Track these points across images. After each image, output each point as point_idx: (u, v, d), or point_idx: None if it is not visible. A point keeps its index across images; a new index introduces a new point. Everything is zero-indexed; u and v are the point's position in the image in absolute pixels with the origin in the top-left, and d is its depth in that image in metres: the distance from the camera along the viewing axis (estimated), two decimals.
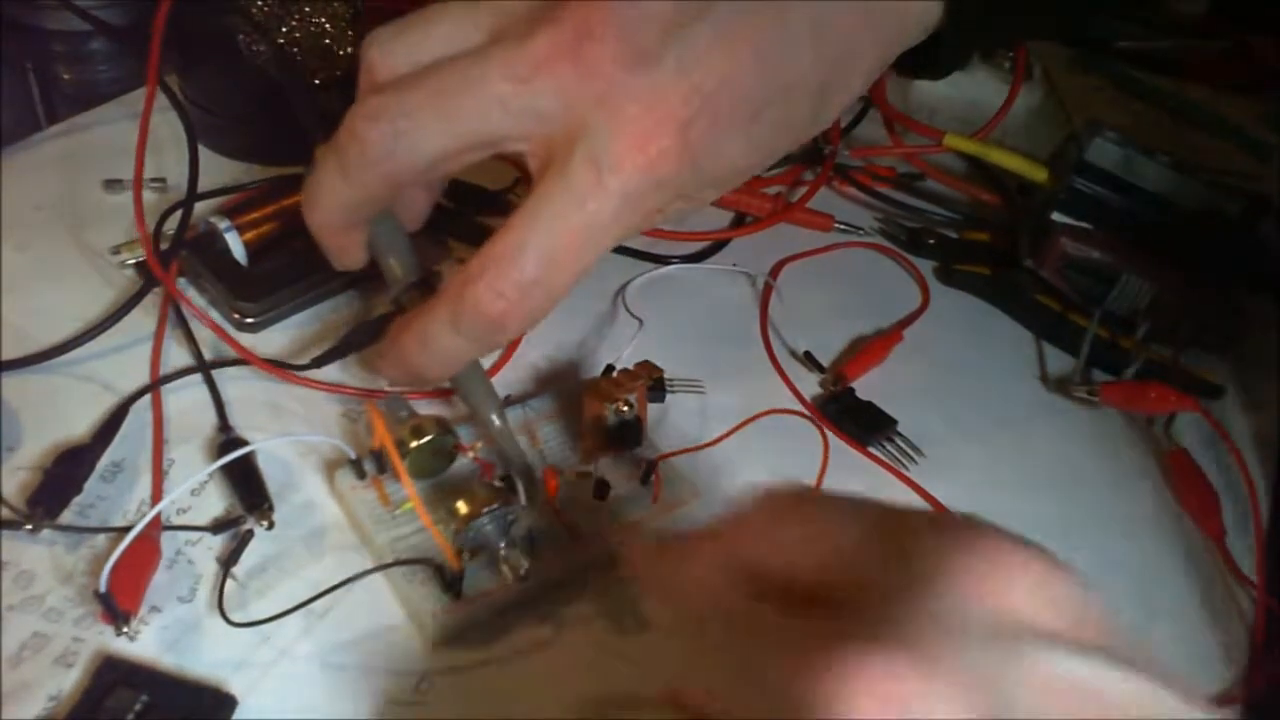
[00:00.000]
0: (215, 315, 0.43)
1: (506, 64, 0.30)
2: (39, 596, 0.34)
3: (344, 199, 0.32)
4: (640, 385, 0.39)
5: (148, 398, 0.40)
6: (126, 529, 0.33)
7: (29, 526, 0.34)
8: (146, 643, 0.33)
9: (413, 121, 0.30)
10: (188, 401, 0.40)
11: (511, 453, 0.37)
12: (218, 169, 0.50)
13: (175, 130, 0.53)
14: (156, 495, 0.37)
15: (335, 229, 0.34)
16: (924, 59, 0.36)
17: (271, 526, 0.36)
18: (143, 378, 0.40)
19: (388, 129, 0.30)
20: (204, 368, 0.41)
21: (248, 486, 0.37)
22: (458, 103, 0.30)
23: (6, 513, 0.35)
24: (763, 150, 0.33)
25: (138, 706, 0.31)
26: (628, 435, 0.39)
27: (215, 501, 0.37)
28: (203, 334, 0.42)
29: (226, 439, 0.39)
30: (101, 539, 0.35)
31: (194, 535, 0.36)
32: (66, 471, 0.36)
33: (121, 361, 0.41)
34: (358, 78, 0.32)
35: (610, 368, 0.42)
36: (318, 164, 0.32)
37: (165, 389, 0.40)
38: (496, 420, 0.37)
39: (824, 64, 0.32)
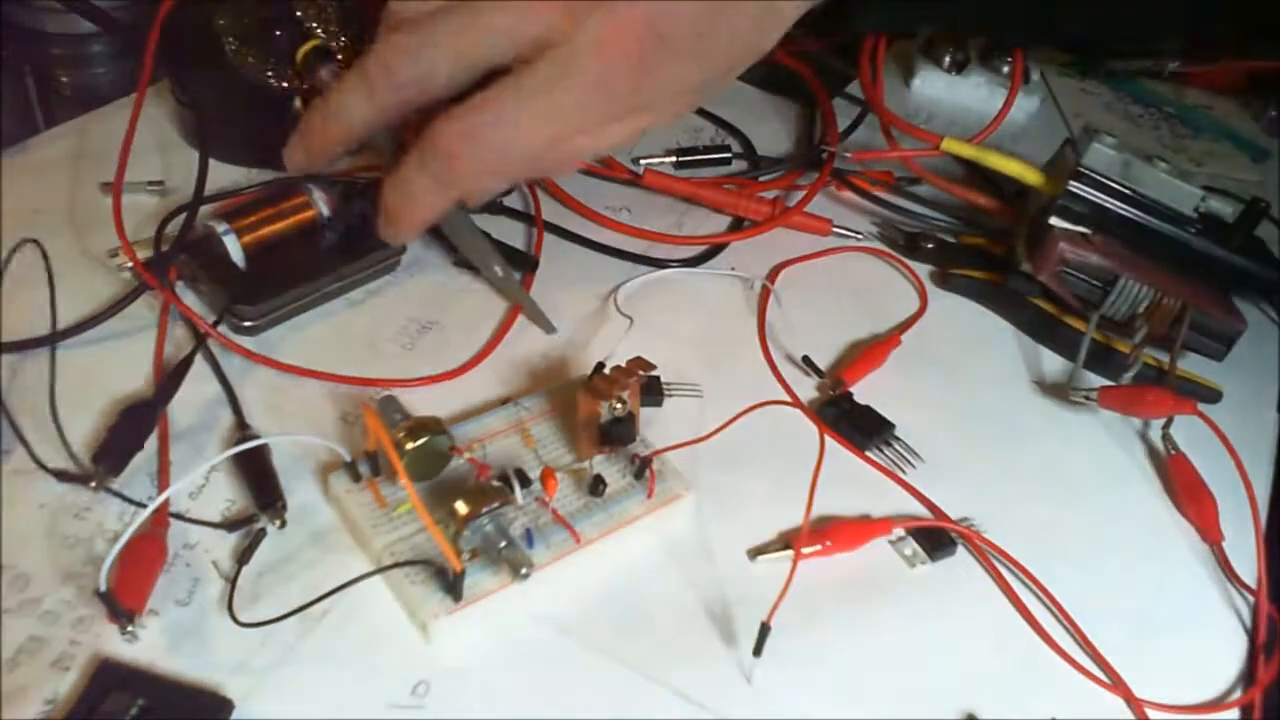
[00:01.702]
0: (209, 319, 0.43)
1: (506, 3, 0.36)
2: (36, 599, 0.33)
3: (366, 117, 0.39)
4: (633, 381, 0.39)
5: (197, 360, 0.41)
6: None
7: (93, 484, 0.36)
8: (144, 646, 0.33)
9: (433, 54, 0.37)
10: (186, 403, 0.40)
11: (506, 281, 0.47)
12: (212, 172, 0.50)
13: (172, 134, 0.53)
14: (163, 488, 0.37)
15: (344, 140, 0.40)
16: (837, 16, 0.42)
17: (284, 525, 0.36)
18: (141, 379, 0.40)
19: (413, 61, 0.37)
20: (215, 365, 0.41)
21: (262, 484, 0.37)
22: (470, 37, 0.37)
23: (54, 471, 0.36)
24: (706, 70, 0.39)
25: (134, 710, 0.30)
26: (621, 431, 0.39)
27: (215, 505, 0.37)
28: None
29: (243, 435, 0.39)
30: (97, 541, 0.35)
31: (192, 539, 0.36)
32: (129, 428, 0.37)
33: (123, 363, 0.41)
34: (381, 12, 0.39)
35: (600, 365, 0.42)
36: (343, 87, 0.39)
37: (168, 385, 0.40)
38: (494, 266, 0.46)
39: None
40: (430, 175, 0.38)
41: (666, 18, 0.36)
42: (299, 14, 0.51)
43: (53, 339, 0.40)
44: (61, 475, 0.36)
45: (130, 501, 0.36)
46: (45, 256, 0.43)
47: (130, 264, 0.44)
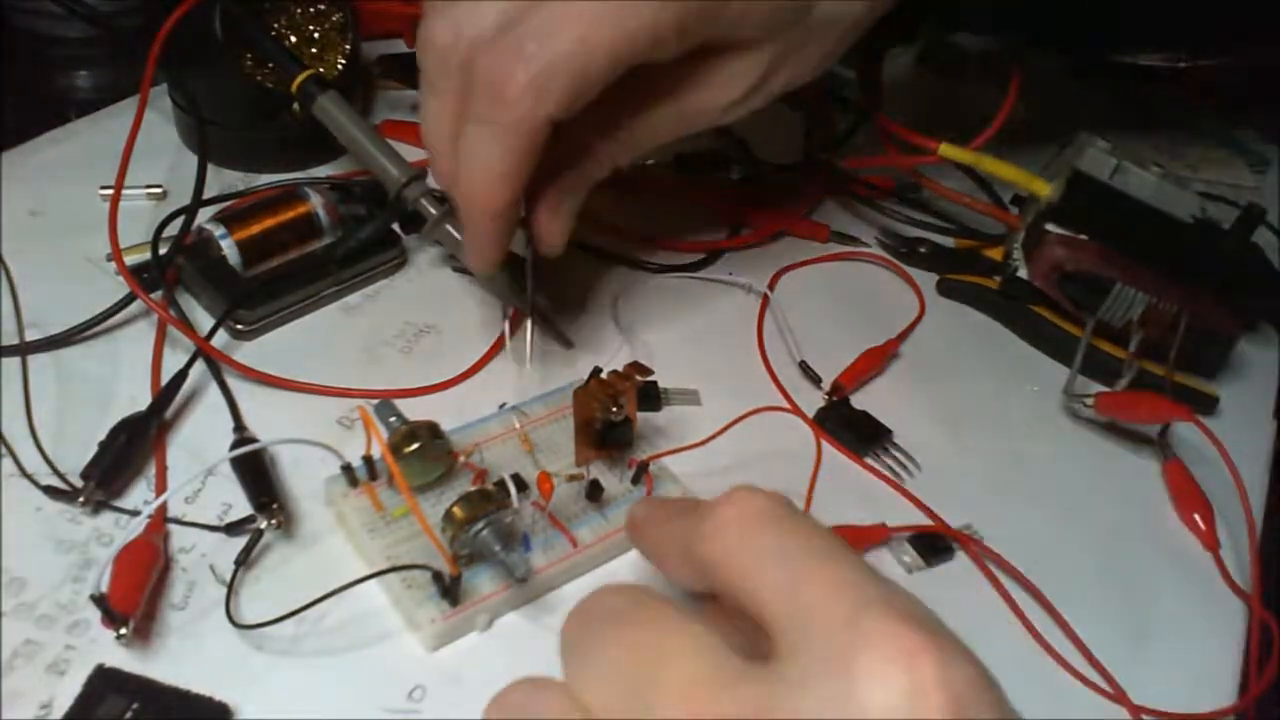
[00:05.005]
0: (208, 321, 0.43)
1: None
2: (32, 603, 0.33)
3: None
4: (630, 386, 0.39)
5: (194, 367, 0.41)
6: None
7: (81, 500, 0.35)
8: (140, 650, 0.33)
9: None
10: (183, 407, 0.40)
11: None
12: (211, 175, 0.50)
13: (170, 138, 0.53)
14: (159, 492, 0.37)
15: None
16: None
17: (280, 526, 0.36)
18: (141, 383, 0.40)
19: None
20: (214, 368, 0.41)
21: (258, 486, 0.37)
22: None
23: (49, 484, 0.36)
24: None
25: (129, 715, 0.30)
26: (619, 436, 0.39)
27: (212, 508, 0.37)
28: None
29: (240, 439, 0.39)
30: (93, 545, 0.35)
31: (188, 543, 0.36)
32: (121, 445, 0.37)
33: (124, 367, 0.41)
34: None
35: (597, 370, 0.42)
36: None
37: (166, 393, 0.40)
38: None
39: None
40: (483, 121, 0.34)
41: None
42: (299, 13, 0.51)
43: (22, 349, 0.41)
44: (52, 491, 0.36)
45: (123, 511, 0.36)
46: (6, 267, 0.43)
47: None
